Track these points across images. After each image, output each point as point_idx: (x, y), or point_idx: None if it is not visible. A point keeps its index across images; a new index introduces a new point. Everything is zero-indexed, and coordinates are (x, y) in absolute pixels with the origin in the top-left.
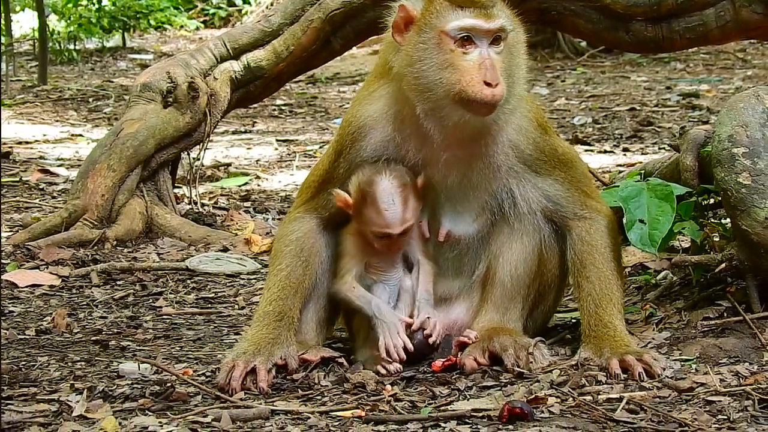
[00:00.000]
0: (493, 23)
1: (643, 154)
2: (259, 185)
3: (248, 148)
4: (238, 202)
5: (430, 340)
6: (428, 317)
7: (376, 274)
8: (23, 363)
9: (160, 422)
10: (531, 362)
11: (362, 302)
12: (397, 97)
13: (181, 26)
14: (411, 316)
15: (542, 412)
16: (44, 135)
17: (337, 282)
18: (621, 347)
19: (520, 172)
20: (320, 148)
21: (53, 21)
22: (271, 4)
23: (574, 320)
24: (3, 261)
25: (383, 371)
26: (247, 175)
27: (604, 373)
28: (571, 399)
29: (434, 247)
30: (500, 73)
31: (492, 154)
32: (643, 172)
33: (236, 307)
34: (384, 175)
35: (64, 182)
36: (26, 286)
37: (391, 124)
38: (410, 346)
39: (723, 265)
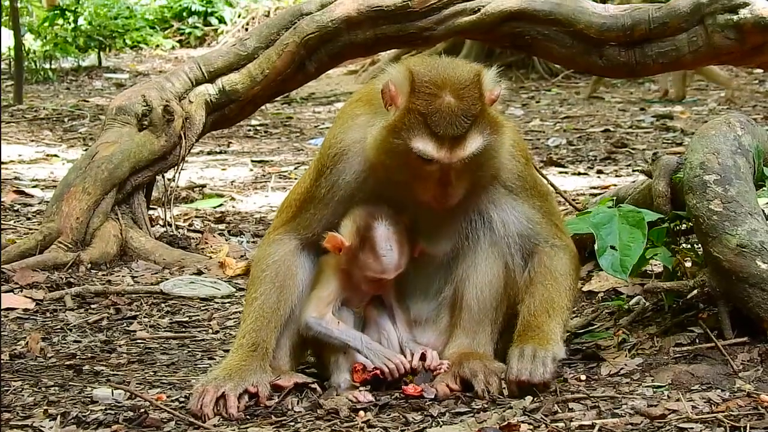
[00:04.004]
0: (456, 157)
1: (617, 176)
2: (233, 207)
3: (223, 169)
4: (212, 225)
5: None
6: (424, 351)
7: (347, 307)
8: None
9: None
10: (503, 388)
11: (348, 337)
12: None
13: (157, 46)
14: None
15: None
16: (19, 155)
17: (311, 314)
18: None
19: (501, 197)
20: (295, 169)
21: (29, 40)
22: (247, 24)
23: None
24: None
25: (354, 400)
26: (221, 196)
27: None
28: (543, 426)
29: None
30: (457, 182)
31: (476, 184)
32: (615, 198)
33: (210, 331)
34: (381, 221)
35: (39, 203)
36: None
37: None
38: (407, 365)
39: (695, 291)
